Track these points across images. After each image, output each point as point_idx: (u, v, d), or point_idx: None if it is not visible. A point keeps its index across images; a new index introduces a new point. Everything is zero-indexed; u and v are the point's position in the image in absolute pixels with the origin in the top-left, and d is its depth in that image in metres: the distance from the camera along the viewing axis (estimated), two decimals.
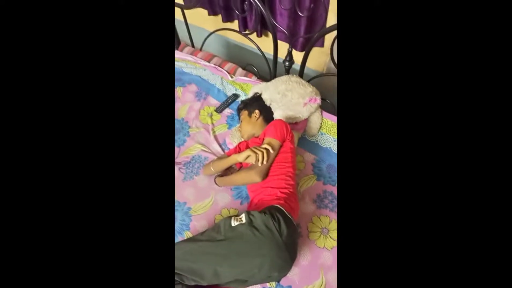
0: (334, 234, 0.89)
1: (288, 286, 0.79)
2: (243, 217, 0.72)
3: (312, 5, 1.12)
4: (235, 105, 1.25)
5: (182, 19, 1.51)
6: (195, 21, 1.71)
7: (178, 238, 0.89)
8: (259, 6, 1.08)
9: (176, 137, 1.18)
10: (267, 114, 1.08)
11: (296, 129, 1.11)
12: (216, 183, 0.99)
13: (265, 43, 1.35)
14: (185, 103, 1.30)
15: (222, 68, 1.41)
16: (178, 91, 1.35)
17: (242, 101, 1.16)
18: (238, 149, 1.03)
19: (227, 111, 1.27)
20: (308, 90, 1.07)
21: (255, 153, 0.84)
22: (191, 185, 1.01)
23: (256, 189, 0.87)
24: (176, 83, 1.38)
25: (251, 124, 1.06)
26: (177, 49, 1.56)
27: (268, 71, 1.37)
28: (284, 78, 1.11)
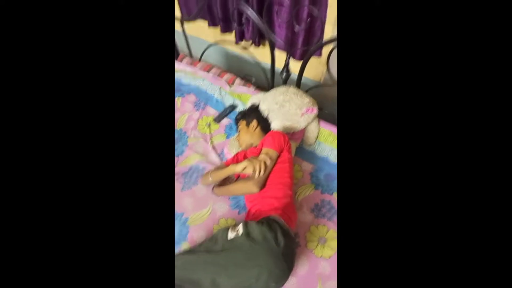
0: (331, 244, 0.89)
1: None
2: (240, 227, 0.72)
3: (309, 18, 1.14)
4: (233, 115, 1.27)
5: (181, 30, 1.54)
6: (194, 32, 1.74)
7: (176, 249, 0.89)
8: (257, 20, 1.11)
9: (174, 147, 1.19)
10: (264, 124, 1.10)
11: (294, 138, 1.12)
12: (214, 193, 1.00)
13: (264, 52, 1.37)
14: (183, 113, 1.32)
15: (221, 78, 1.43)
16: (177, 101, 1.37)
17: (240, 111, 1.18)
18: (236, 159, 1.04)
19: (226, 121, 1.28)
20: (305, 100, 1.09)
21: (253, 163, 0.85)
22: (190, 195, 1.01)
23: (254, 199, 0.88)
24: (175, 93, 1.40)
25: (249, 134, 1.07)
26: (176, 60, 1.59)
27: (266, 80, 1.40)
28: (282, 89, 1.14)
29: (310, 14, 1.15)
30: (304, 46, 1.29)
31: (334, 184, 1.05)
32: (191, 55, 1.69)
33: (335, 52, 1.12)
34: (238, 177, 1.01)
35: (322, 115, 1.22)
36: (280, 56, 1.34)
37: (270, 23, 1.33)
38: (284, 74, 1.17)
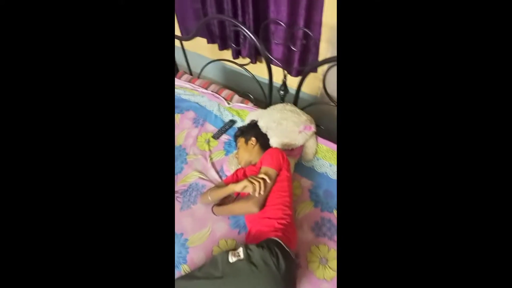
0: (333, 264, 0.88)
1: None
2: (240, 251, 0.72)
3: (304, 41, 1.17)
4: (232, 131, 1.28)
5: (180, 47, 1.57)
6: (192, 48, 1.77)
7: (175, 272, 0.87)
8: (253, 40, 1.13)
9: (174, 165, 1.19)
10: (263, 141, 1.10)
11: (292, 155, 1.13)
12: (213, 212, 0.99)
13: (261, 68, 1.39)
14: (182, 130, 1.33)
15: (219, 95, 1.45)
16: (176, 118, 1.38)
17: (239, 128, 1.18)
18: (236, 176, 1.04)
19: (224, 137, 1.29)
20: (303, 118, 1.10)
21: (252, 183, 0.85)
22: (189, 215, 1.01)
23: (254, 219, 0.87)
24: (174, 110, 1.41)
25: (248, 152, 1.08)
26: (176, 77, 1.61)
27: (264, 96, 1.42)
28: (279, 106, 1.15)
29: (305, 35, 1.18)
30: (300, 65, 1.32)
31: (333, 201, 1.04)
32: (190, 71, 1.71)
33: (331, 70, 1.14)
34: (237, 195, 1.01)
35: (320, 131, 1.23)
36: (277, 70, 1.36)
37: (267, 40, 1.36)
38: (281, 92, 1.19)
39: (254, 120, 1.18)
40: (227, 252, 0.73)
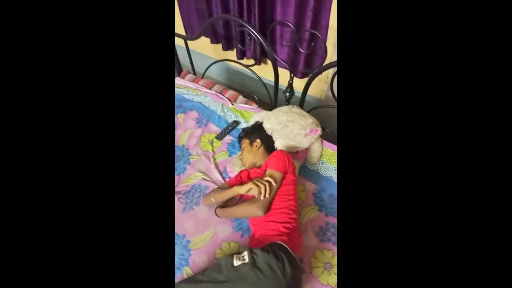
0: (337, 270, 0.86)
1: None
2: (245, 255, 0.70)
3: (312, 43, 1.16)
4: (236, 132, 1.27)
5: (184, 46, 1.56)
6: (197, 48, 1.76)
7: (177, 275, 0.86)
8: (260, 41, 1.12)
9: (176, 165, 1.17)
10: (268, 143, 1.09)
11: (297, 158, 1.11)
12: (216, 215, 0.97)
13: (266, 70, 1.39)
14: (186, 130, 1.31)
15: (223, 96, 1.44)
16: (179, 118, 1.37)
17: (243, 129, 1.17)
18: (240, 178, 1.02)
19: (228, 138, 1.28)
20: (309, 121, 1.09)
21: (258, 186, 0.84)
22: (191, 216, 0.99)
23: (258, 222, 0.86)
24: (177, 110, 1.39)
25: (253, 154, 1.06)
26: (179, 76, 1.60)
27: (269, 97, 1.40)
28: (285, 109, 1.14)
29: (311, 37, 1.17)
30: (306, 67, 1.31)
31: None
32: (194, 71, 1.70)
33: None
34: (241, 197, 0.99)
35: (325, 135, 1.22)
36: (284, 72, 1.35)
37: (273, 42, 1.35)
38: (287, 94, 1.18)
39: (259, 122, 1.16)
40: (231, 255, 0.72)
